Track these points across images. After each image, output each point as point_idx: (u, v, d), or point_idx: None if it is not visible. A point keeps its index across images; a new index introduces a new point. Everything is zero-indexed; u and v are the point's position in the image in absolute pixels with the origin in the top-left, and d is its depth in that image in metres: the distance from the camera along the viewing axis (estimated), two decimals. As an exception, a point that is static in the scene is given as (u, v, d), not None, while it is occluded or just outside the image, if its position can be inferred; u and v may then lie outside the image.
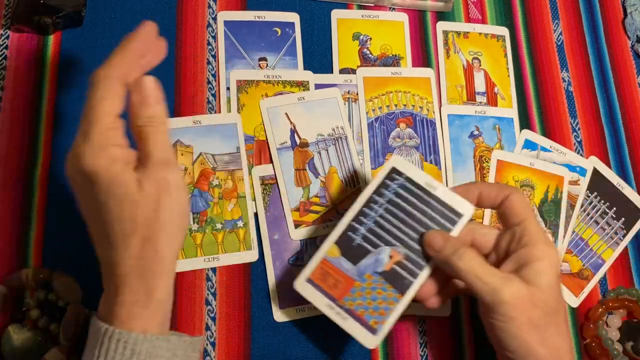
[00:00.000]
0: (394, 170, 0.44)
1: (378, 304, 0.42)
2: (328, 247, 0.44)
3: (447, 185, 0.55)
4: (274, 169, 0.52)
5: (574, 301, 0.54)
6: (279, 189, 0.52)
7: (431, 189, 0.44)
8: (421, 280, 0.43)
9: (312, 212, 0.52)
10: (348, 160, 0.54)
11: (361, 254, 0.43)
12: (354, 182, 0.53)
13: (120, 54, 0.38)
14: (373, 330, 0.42)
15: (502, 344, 0.40)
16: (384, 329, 0.42)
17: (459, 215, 0.43)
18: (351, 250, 0.43)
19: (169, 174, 0.36)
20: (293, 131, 0.54)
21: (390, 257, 0.43)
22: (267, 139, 0.53)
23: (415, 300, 0.44)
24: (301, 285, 0.44)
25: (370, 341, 0.42)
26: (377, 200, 0.44)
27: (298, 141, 0.53)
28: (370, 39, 0.58)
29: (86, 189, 0.36)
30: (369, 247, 0.43)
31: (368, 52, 0.58)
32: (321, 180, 0.53)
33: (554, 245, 0.40)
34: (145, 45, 0.39)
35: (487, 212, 0.54)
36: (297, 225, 0.51)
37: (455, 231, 0.43)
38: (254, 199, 0.52)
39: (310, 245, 0.51)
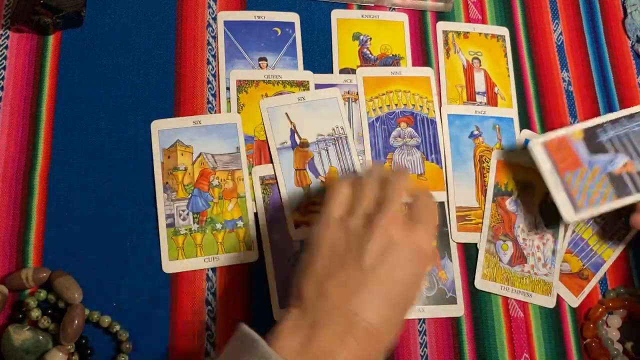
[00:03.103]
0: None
1: (592, 193, 0.48)
2: (574, 129, 0.49)
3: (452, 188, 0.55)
4: (274, 169, 0.52)
5: (574, 301, 0.54)
6: (279, 189, 0.52)
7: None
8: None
9: (311, 212, 0.52)
10: (348, 160, 0.54)
11: (600, 149, 0.49)
12: None
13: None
14: (576, 208, 0.48)
15: None
16: (587, 212, 0.48)
17: None
18: (593, 142, 0.49)
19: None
20: (293, 131, 0.54)
21: (625, 165, 0.48)
22: (267, 139, 0.53)
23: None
24: (535, 145, 0.49)
25: (570, 215, 0.48)
26: (635, 118, 0.50)
27: (298, 141, 0.53)
28: (370, 39, 0.58)
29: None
30: (610, 148, 0.49)
31: (368, 52, 0.58)
32: (321, 180, 0.53)
33: None
34: None
35: (487, 209, 0.54)
36: (297, 225, 0.51)
37: None
38: (254, 199, 0.52)
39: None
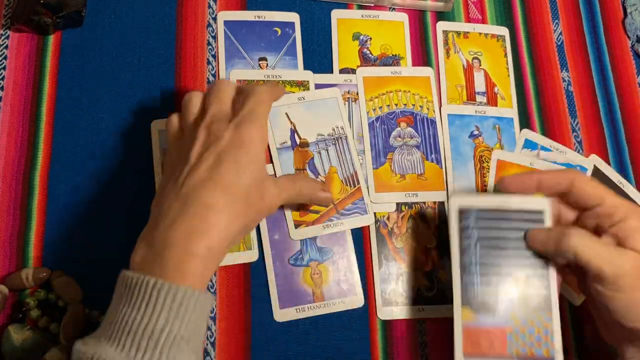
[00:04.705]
0: (461, 211, 0.44)
1: (537, 334, 0.42)
2: (460, 314, 0.42)
3: (453, 187, 0.55)
4: (274, 169, 0.52)
5: (576, 299, 0.54)
6: None
7: (505, 205, 0.43)
8: (554, 286, 0.42)
9: (312, 212, 0.52)
10: (348, 160, 0.54)
11: (490, 301, 0.42)
12: (354, 182, 0.53)
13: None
14: None
15: (624, 314, 0.40)
16: (557, 353, 0.41)
17: (540, 212, 0.43)
18: (479, 303, 0.42)
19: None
20: (293, 131, 0.54)
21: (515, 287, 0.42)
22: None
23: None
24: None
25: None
26: (468, 245, 0.43)
27: (298, 141, 0.53)
28: (370, 39, 0.58)
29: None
30: (491, 290, 0.42)
31: (368, 52, 0.58)
32: (321, 180, 0.53)
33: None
34: None
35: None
36: (297, 225, 0.51)
37: (547, 224, 0.43)
38: (254, 199, 0.52)
39: (311, 245, 0.51)
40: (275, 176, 0.52)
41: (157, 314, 0.35)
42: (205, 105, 0.44)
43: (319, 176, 0.53)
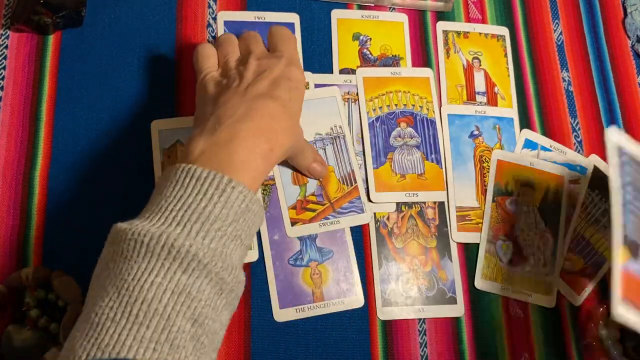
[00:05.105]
0: (619, 147, 0.40)
1: None
2: (619, 254, 0.37)
3: (453, 189, 0.55)
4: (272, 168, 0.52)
5: (576, 299, 0.54)
6: (276, 187, 0.52)
7: None
8: None
9: (308, 210, 0.52)
10: (345, 159, 0.54)
11: None
12: (351, 181, 0.53)
13: None
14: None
15: None
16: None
17: None
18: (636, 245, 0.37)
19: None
20: None
21: None
22: None
23: None
24: (622, 312, 0.35)
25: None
26: (626, 182, 0.38)
27: None
28: (370, 39, 0.58)
29: None
30: None
31: (368, 52, 0.58)
32: (318, 180, 0.53)
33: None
34: None
35: (487, 209, 0.54)
36: (293, 222, 0.51)
37: None
38: (254, 199, 0.52)
39: (310, 245, 0.51)
40: (274, 176, 0.52)
41: (227, 210, 0.37)
42: (244, 48, 0.47)
43: None
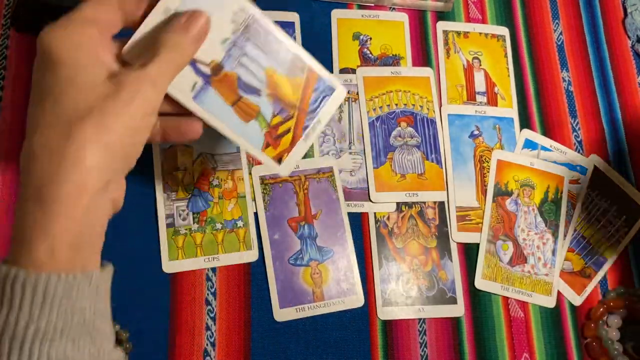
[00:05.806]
0: None
1: None
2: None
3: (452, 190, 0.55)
4: (210, 123, 0.40)
5: (577, 299, 0.54)
6: (226, 138, 0.41)
7: None
8: None
9: (281, 135, 0.41)
10: (275, 45, 0.40)
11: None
12: (300, 68, 0.41)
13: None
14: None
15: None
16: None
17: None
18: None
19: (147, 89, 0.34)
20: (193, 63, 0.38)
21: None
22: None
23: None
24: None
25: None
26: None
27: (206, 70, 0.38)
28: (370, 38, 0.58)
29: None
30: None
31: (368, 52, 0.58)
32: (266, 94, 0.40)
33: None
34: None
35: (487, 209, 0.54)
36: (279, 159, 0.42)
37: None
38: (254, 199, 0.52)
39: (311, 245, 0.51)
40: (215, 128, 0.40)
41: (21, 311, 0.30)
42: None
43: (260, 91, 0.40)
